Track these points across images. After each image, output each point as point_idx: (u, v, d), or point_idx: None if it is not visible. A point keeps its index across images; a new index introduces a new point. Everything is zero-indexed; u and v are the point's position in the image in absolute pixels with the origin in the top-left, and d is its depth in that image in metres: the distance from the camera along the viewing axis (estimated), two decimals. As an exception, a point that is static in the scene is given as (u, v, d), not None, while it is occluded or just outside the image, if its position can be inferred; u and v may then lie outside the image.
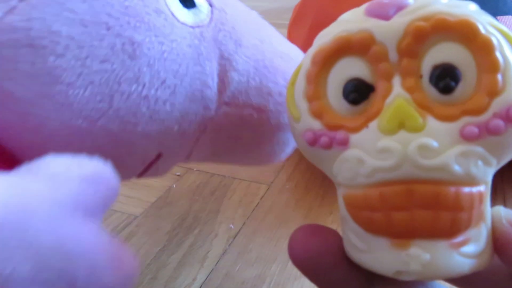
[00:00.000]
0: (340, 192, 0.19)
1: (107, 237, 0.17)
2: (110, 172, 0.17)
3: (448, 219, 0.17)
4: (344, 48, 0.18)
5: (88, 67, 0.19)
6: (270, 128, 0.27)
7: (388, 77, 0.18)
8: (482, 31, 0.17)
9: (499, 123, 0.16)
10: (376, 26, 0.18)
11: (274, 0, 1.43)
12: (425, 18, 0.17)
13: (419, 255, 0.17)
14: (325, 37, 0.19)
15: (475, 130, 0.16)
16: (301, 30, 0.48)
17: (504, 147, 0.17)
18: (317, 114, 0.19)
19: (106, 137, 0.21)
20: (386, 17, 0.18)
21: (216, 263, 0.34)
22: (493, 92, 0.16)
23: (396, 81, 0.18)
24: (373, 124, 0.17)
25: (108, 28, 0.19)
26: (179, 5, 0.23)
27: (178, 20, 0.22)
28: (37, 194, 0.15)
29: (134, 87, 0.21)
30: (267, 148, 0.28)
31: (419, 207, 0.17)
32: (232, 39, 0.25)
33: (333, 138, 0.18)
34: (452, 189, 0.16)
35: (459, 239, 0.17)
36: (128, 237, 0.37)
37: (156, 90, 0.21)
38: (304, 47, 0.47)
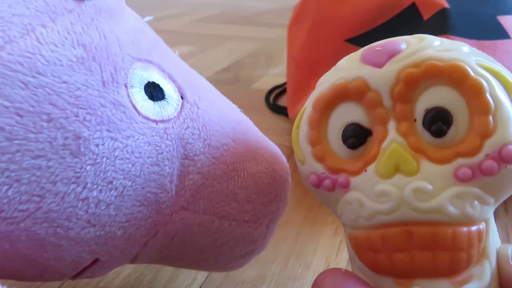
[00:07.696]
0: (346, 232, 0.20)
1: None
2: None
3: (447, 258, 0.17)
4: (342, 95, 0.19)
5: (17, 162, 0.16)
6: (232, 238, 0.24)
7: (384, 122, 0.18)
8: (472, 74, 0.17)
9: (492, 164, 0.17)
10: (370, 74, 0.19)
11: (274, 0, 1.43)
12: (415, 65, 0.18)
13: None
14: (324, 84, 0.20)
15: (469, 171, 0.17)
16: (301, 30, 0.48)
17: (499, 187, 0.17)
18: (320, 158, 0.20)
19: (29, 241, 0.18)
20: (379, 65, 0.19)
21: (216, 263, 0.32)
22: (485, 134, 0.17)
23: (391, 126, 0.18)
24: (371, 168, 0.18)
25: (50, 120, 0.17)
26: (144, 96, 0.20)
27: (139, 114, 0.20)
28: None
29: (72, 187, 0.17)
30: (226, 258, 0.25)
31: (419, 248, 0.17)
32: (201, 138, 0.22)
33: (336, 181, 0.19)
34: (449, 230, 0.17)
35: (460, 277, 0.17)
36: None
37: (100, 191, 0.18)
38: (304, 47, 0.47)
